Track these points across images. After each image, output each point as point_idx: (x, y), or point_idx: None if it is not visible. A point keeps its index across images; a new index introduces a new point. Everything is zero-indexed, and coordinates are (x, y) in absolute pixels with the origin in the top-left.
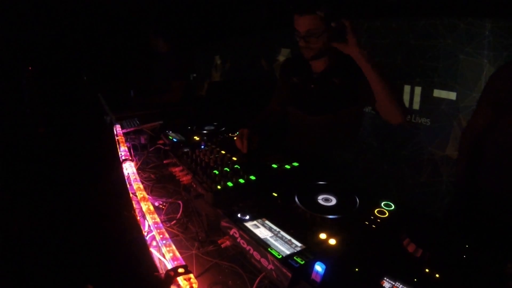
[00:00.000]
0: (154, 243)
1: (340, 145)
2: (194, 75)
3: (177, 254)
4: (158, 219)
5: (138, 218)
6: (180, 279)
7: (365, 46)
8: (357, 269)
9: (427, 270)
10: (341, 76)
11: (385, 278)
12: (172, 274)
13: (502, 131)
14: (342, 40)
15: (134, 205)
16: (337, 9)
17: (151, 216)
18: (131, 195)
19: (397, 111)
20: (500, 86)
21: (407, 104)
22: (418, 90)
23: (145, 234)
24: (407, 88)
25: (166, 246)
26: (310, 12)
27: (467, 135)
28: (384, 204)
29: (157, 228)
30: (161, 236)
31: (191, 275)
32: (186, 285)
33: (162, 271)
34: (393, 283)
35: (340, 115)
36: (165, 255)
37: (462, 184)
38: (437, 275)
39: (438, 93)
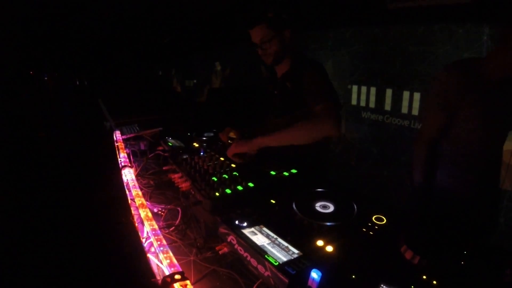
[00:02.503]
0: (152, 249)
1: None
2: (194, 81)
3: (174, 260)
4: (156, 226)
5: (137, 224)
6: (176, 286)
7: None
8: (354, 276)
9: (424, 277)
10: (292, 80)
11: (382, 285)
12: (168, 281)
13: (455, 132)
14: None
15: (133, 212)
16: (279, 15)
17: (149, 222)
18: (129, 201)
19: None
20: (447, 87)
21: (405, 110)
22: (417, 96)
23: (143, 240)
24: (406, 94)
25: (163, 253)
26: (257, 24)
27: (421, 142)
28: (375, 218)
29: (154, 234)
30: (158, 242)
31: (188, 282)
32: None
33: (160, 277)
34: None
35: (299, 117)
36: (162, 261)
37: (419, 185)
38: (434, 282)
39: None
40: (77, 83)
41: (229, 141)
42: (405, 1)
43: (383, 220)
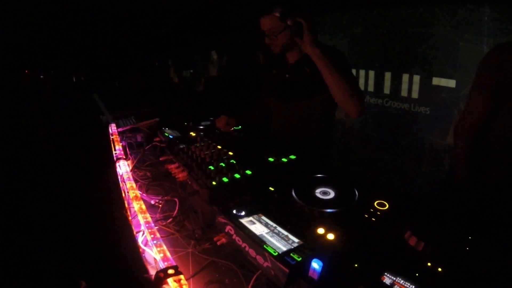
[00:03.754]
0: (150, 243)
1: (316, 130)
2: (191, 71)
3: (168, 254)
4: (149, 219)
5: (130, 218)
6: (170, 281)
7: (318, 44)
8: (356, 265)
9: (429, 264)
10: (312, 66)
11: (385, 274)
12: (162, 276)
13: (504, 120)
14: (300, 37)
15: (127, 205)
16: (293, 8)
17: (143, 215)
18: (124, 194)
19: (348, 105)
20: (496, 70)
21: (405, 93)
22: (416, 78)
23: (137, 234)
24: (405, 77)
25: (157, 246)
26: (268, 13)
27: (464, 129)
28: (377, 204)
29: (148, 228)
30: (152, 236)
31: (182, 276)
32: (176, 287)
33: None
34: (394, 279)
35: (313, 102)
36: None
37: (465, 181)
38: (439, 269)
39: (437, 81)
40: (74, 79)
41: (227, 126)
42: None
43: (385, 206)
